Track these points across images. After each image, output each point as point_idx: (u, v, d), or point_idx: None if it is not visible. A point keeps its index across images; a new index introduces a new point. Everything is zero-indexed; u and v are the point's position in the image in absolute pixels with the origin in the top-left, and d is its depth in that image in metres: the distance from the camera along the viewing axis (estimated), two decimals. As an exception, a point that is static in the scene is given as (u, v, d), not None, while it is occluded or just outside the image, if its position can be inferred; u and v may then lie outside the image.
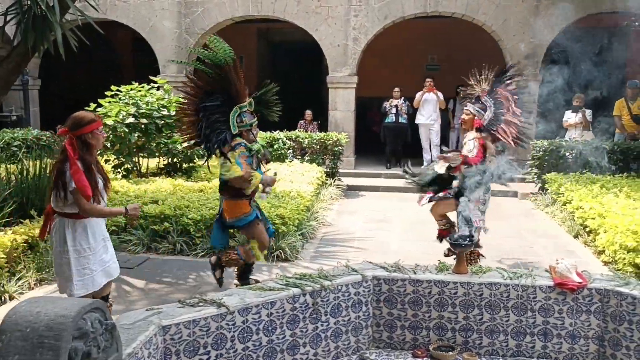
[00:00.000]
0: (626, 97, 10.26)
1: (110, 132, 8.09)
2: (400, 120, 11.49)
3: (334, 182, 9.79)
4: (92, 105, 8.37)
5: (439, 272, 3.63)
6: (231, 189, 4.65)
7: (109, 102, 8.40)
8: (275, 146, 10.38)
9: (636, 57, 12.20)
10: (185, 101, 4.79)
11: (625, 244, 5.41)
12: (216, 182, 7.98)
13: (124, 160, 8.47)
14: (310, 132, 10.91)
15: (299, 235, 6.28)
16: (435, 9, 10.97)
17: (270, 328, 3.17)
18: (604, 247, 5.89)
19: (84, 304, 2.03)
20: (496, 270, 3.64)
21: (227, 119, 4.61)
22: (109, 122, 8.00)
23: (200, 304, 3.04)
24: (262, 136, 5.10)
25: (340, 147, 9.91)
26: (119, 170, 8.58)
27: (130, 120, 8.02)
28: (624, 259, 5.40)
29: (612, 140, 10.10)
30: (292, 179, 8.12)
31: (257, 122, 4.77)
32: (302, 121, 11.90)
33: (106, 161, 8.73)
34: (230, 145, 4.57)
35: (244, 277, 4.89)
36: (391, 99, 11.48)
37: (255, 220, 4.72)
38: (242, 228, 4.80)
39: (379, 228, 7.34)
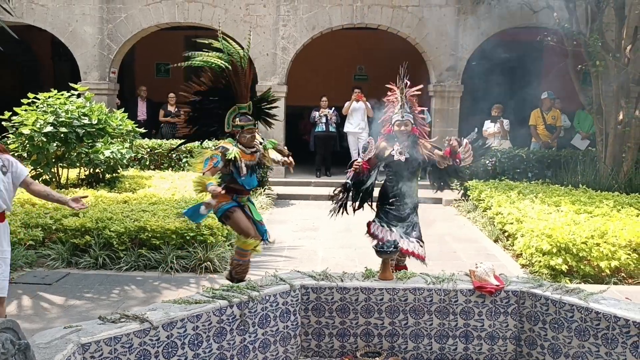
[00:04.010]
0: (541, 108, 10.88)
1: (26, 141, 7.71)
2: (330, 129, 11.65)
3: (264, 191, 9.76)
4: (7, 114, 7.96)
5: (365, 279, 3.69)
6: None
7: (26, 110, 8.00)
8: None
9: (550, 70, 12.95)
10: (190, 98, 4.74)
11: (540, 247, 5.71)
12: (141, 193, 7.79)
13: (41, 171, 8.07)
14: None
15: (228, 245, 6.21)
16: (361, 20, 11.22)
17: (196, 342, 3.11)
18: (521, 251, 6.20)
19: (-8, 325, 1.92)
20: (420, 276, 3.75)
21: (223, 115, 4.64)
22: (26, 131, 7.62)
23: (122, 319, 2.95)
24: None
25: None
26: (36, 181, 8.15)
27: (49, 129, 7.66)
28: (540, 261, 5.71)
29: (528, 148, 10.67)
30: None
31: (253, 126, 4.69)
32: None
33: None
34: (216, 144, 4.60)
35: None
36: (321, 109, 11.61)
37: (231, 208, 4.65)
38: (222, 221, 4.80)
39: (308, 237, 7.38)
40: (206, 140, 4.82)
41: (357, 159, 4.77)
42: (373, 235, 4.72)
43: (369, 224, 4.92)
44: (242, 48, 4.84)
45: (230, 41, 4.67)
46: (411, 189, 4.82)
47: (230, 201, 4.68)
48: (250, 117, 4.69)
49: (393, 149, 4.68)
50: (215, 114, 4.71)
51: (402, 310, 3.58)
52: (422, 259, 4.73)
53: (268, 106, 5.03)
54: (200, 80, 4.69)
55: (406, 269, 4.90)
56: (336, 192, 4.92)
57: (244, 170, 4.56)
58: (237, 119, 4.63)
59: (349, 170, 4.76)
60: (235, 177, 4.60)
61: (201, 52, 4.68)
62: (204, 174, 4.38)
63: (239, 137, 4.63)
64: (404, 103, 4.78)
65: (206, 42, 4.75)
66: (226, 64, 4.58)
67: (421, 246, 4.74)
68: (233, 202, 4.70)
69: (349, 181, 4.77)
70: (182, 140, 5.29)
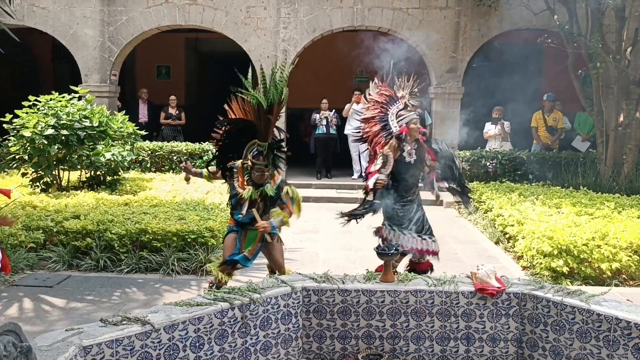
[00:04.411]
0: (543, 110, 10.89)
1: (27, 144, 7.72)
2: (331, 131, 11.67)
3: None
4: (8, 116, 7.98)
5: (366, 281, 3.69)
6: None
7: (27, 112, 8.01)
8: (205, 157, 10.27)
9: (551, 72, 12.97)
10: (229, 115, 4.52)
11: (541, 249, 5.71)
12: (142, 196, 7.80)
13: (42, 173, 8.07)
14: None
15: (229, 248, 6.20)
16: (362, 23, 11.23)
17: (197, 344, 3.11)
18: (522, 253, 6.20)
19: (-6, 328, 1.93)
20: (421, 278, 3.74)
21: (242, 147, 4.43)
22: (27, 133, 7.63)
23: (124, 322, 2.94)
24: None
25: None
26: (37, 184, 8.18)
27: (50, 131, 7.66)
28: (541, 263, 5.71)
29: (528, 150, 10.68)
30: (222, 191, 8.03)
31: (264, 167, 4.37)
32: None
33: (23, 174, 8.31)
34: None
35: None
36: (322, 111, 11.63)
37: (228, 235, 4.59)
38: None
39: (308, 239, 7.38)
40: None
41: (379, 176, 4.63)
42: (385, 240, 4.75)
43: (379, 229, 4.95)
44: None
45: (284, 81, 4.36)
46: (417, 189, 4.85)
47: (232, 225, 4.60)
48: (263, 157, 4.39)
49: (404, 151, 4.68)
50: (239, 144, 4.49)
51: (403, 313, 3.58)
52: (436, 254, 4.77)
53: (280, 154, 4.73)
54: (235, 110, 4.47)
55: (431, 265, 4.92)
56: (361, 210, 4.80)
57: (244, 210, 4.40)
58: (251, 155, 4.38)
59: (370, 188, 4.63)
60: (232, 208, 4.51)
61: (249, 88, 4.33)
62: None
63: (251, 171, 4.41)
64: (409, 101, 4.80)
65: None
66: (263, 101, 4.26)
67: (434, 241, 4.79)
68: (234, 226, 4.57)
69: (376, 201, 4.69)
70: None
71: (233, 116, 4.50)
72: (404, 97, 4.94)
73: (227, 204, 4.78)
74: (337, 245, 6.97)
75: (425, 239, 4.80)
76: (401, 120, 4.82)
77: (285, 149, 4.67)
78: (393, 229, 4.79)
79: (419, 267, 4.90)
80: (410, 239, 4.74)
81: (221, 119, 4.55)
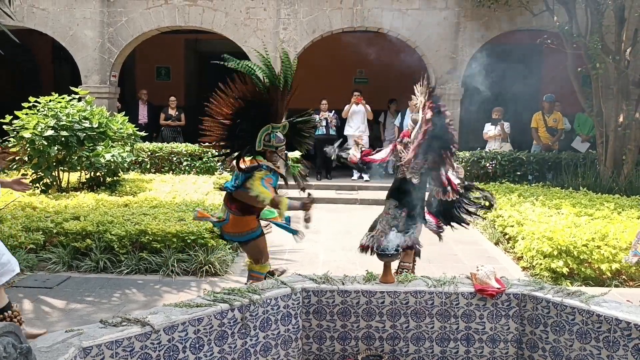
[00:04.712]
0: (543, 110, 10.89)
1: (27, 145, 7.72)
2: (331, 132, 11.67)
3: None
4: (8, 117, 7.98)
5: (366, 282, 3.69)
6: (241, 204, 4.49)
7: (27, 113, 8.01)
8: (204, 159, 10.28)
9: (550, 73, 12.97)
10: (224, 101, 4.38)
11: (541, 250, 5.71)
12: (142, 197, 7.79)
13: (42, 174, 8.08)
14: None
15: (229, 249, 6.21)
16: (362, 24, 11.23)
17: (197, 345, 3.11)
18: (522, 254, 6.20)
19: (-6, 329, 1.92)
20: (421, 279, 3.74)
21: (254, 133, 4.37)
22: (27, 134, 7.64)
23: (124, 323, 2.94)
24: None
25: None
26: (37, 185, 8.18)
27: (50, 132, 7.67)
28: (541, 264, 5.71)
29: (528, 151, 10.68)
30: (222, 192, 8.02)
31: (284, 147, 4.50)
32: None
33: (23, 175, 8.31)
34: (250, 163, 4.39)
35: None
36: (321, 112, 11.63)
37: (261, 237, 4.62)
38: (244, 244, 4.68)
39: (309, 239, 7.34)
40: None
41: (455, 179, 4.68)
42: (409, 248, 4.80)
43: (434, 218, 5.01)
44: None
45: (291, 60, 4.45)
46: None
47: (258, 227, 4.63)
48: (282, 138, 4.46)
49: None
50: (247, 130, 4.41)
51: (403, 313, 3.58)
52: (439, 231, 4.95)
53: (306, 129, 4.83)
54: (236, 93, 4.33)
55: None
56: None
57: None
58: (273, 139, 4.38)
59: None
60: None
61: (241, 61, 4.35)
62: (274, 196, 4.28)
63: (269, 156, 4.44)
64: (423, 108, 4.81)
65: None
66: (273, 79, 4.33)
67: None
68: (260, 227, 4.64)
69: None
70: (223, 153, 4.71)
71: (219, 111, 4.39)
72: (422, 102, 4.96)
73: (231, 207, 4.58)
74: (338, 246, 6.96)
75: (430, 222, 4.97)
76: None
77: (310, 118, 4.82)
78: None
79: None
80: (419, 231, 4.88)
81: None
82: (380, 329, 3.59)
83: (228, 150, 4.53)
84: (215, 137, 4.44)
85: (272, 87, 4.36)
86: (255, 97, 4.37)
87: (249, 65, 4.33)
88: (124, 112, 10.03)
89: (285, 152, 4.64)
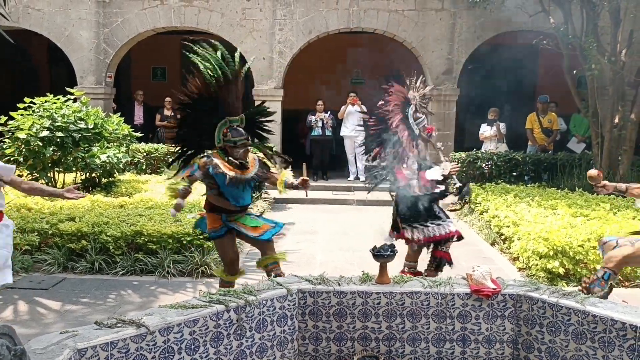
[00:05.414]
0: (537, 111, 10.92)
1: (23, 146, 7.70)
2: (327, 133, 11.67)
3: (261, 194, 9.75)
4: (3, 118, 7.96)
5: (362, 282, 3.69)
6: (207, 202, 4.56)
7: (22, 114, 7.99)
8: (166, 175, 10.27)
9: (546, 73, 13.00)
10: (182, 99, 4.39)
11: (537, 250, 5.72)
12: (137, 198, 7.77)
13: (38, 175, 8.05)
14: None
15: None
16: (358, 25, 11.24)
17: (193, 347, 3.10)
18: (518, 254, 6.21)
19: (-12, 331, 1.91)
20: (417, 279, 3.74)
21: (213, 130, 4.34)
22: (22, 135, 7.62)
23: (119, 324, 2.93)
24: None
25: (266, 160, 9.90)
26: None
27: (45, 133, 7.65)
28: (537, 265, 5.71)
29: (524, 152, 10.70)
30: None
31: (247, 141, 4.34)
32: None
33: (19, 177, 8.28)
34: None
35: None
36: (317, 113, 11.63)
37: (223, 239, 4.53)
38: (213, 241, 4.73)
39: (306, 240, 7.37)
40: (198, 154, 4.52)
41: (449, 165, 4.70)
42: (415, 241, 4.77)
43: (401, 235, 4.93)
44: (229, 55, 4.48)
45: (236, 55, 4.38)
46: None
47: (220, 227, 4.49)
48: (242, 132, 4.33)
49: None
50: (204, 126, 4.38)
51: (399, 314, 3.58)
52: (459, 234, 4.90)
53: (263, 120, 4.75)
54: (188, 88, 4.35)
55: (448, 258, 4.99)
56: (464, 196, 4.87)
57: (228, 178, 4.21)
58: (229, 133, 4.29)
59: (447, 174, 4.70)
60: (222, 190, 4.36)
61: (203, 52, 4.33)
62: (182, 178, 4.32)
63: (230, 152, 4.31)
64: (418, 104, 4.81)
65: (200, 39, 4.45)
66: (216, 72, 4.24)
67: (450, 222, 4.85)
68: (223, 227, 4.50)
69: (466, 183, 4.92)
70: (176, 156, 4.73)
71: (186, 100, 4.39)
72: (414, 99, 4.95)
73: (204, 205, 4.65)
74: (335, 247, 6.96)
75: (448, 224, 4.86)
76: (419, 122, 4.86)
77: (267, 111, 4.72)
78: (415, 227, 4.82)
79: (446, 256, 4.95)
80: (433, 228, 4.80)
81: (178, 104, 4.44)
82: (376, 329, 3.59)
83: (187, 150, 4.57)
84: (173, 135, 4.52)
85: (218, 80, 4.28)
86: (206, 91, 4.34)
87: (199, 57, 4.29)
88: (119, 113, 10.01)
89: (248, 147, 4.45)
